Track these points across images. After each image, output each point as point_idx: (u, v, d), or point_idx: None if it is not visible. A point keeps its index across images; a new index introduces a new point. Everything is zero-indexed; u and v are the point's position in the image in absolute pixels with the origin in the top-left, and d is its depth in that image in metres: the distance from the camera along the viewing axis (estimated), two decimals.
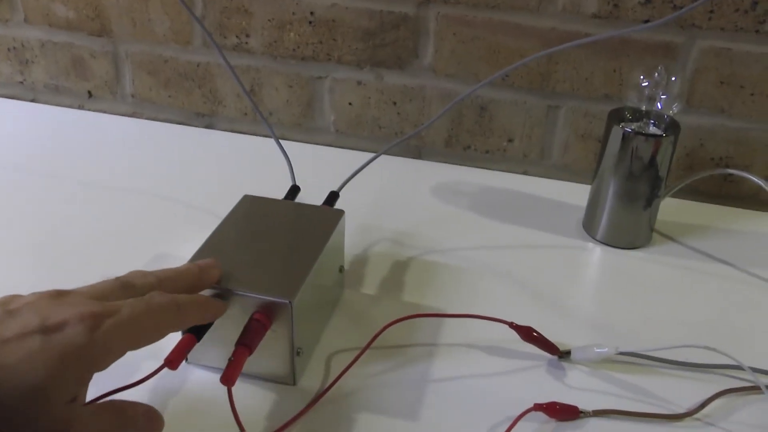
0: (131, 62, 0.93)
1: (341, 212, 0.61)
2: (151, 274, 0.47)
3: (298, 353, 0.53)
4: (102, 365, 0.40)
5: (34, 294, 0.42)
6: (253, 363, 0.51)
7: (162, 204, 0.77)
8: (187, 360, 0.56)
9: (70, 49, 0.95)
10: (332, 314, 0.62)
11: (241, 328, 0.50)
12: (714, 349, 0.55)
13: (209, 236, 0.57)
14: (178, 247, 0.65)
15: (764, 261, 0.73)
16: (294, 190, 0.68)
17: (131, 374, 0.49)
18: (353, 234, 0.72)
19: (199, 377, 0.55)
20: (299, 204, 0.64)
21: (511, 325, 0.58)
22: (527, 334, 0.58)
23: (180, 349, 0.48)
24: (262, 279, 0.52)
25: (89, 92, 0.97)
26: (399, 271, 0.68)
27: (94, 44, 0.94)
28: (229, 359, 0.48)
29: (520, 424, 0.51)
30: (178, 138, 0.92)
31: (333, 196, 0.67)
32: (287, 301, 0.50)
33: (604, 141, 0.71)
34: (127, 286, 0.45)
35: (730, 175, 0.81)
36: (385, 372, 0.56)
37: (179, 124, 0.96)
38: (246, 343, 0.49)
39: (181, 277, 0.49)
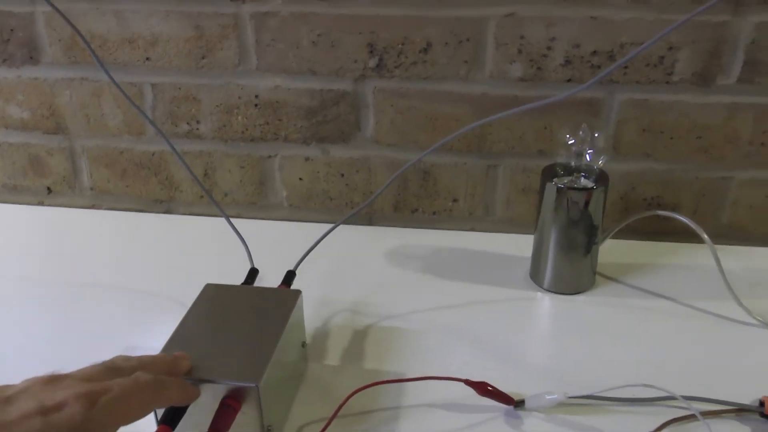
0: (88, 156, 0.97)
1: (298, 292, 0.65)
2: (133, 358, 0.51)
3: (268, 431, 0.56)
4: None
5: (27, 380, 0.45)
6: None
7: (127, 295, 0.80)
8: None
9: (27, 148, 0.98)
10: (299, 388, 0.65)
11: (212, 414, 0.54)
12: (651, 386, 0.60)
13: (176, 327, 0.60)
14: (146, 338, 0.69)
15: (700, 292, 0.79)
16: (253, 273, 0.72)
17: None
18: (313, 308, 0.75)
19: None
20: (258, 288, 0.68)
21: (466, 381, 0.62)
22: (482, 388, 0.62)
23: None
24: (229, 365, 0.56)
25: (48, 188, 1.00)
26: (359, 339, 0.72)
27: (50, 142, 0.97)
28: None
29: None
30: (138, 226, 0.95)
31: (290, 275, 0.71)
32: (254, 385, 0.53)
33: (540, 196, 0.77)
34: (114, 369, 0.49)
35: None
36: None
37: (138, 211, 0.99)
38: (218, 428, 0.53)
39: (157, 363, 0.53)
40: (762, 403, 0.61)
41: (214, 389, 0.54)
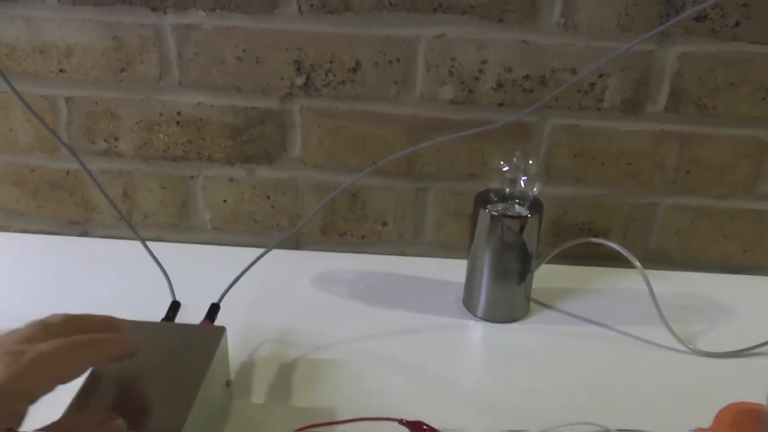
0: None
1: (222, 329, 0.61)
2: (70, 317, 0.51)
3: None
4: (30, 395, 0.44)
5: None
6: None
7: None
8: None
9: None
10: (223, 429, 0.61)
11: None
12: (592, 423, 0.59)
13: (85, 379, 0.55)
14: None
15: (631, 318, 0.79)
16: (174, 306, 0.67)
17: None
18: (237, 339, 0.72)
19: None
20: (179, 325, 0.63)
21: (401, 421, 0.60)
22: (418, 428, 0.60)
23: None
24: (147, 414, 0.52)
25: None
26: (286, 374, 0.69)
27: None
28: None
29: None
30: (50, 249, 0.90)
31: (214, 309, 0.67)
32: None
33: (473, 223, 0.75)
34: (47, 328, 0.48)
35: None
36: None
37: (51, 234, 0.93)
38: None
39: (94, 321, 0.52)
40: None
41: None
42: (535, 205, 0.74)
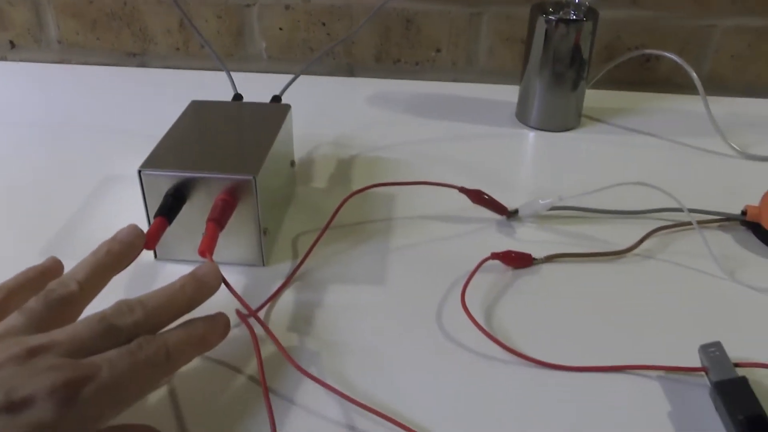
0: (53, 6, 0.92)
1: (288, 106, 0.63)
2: (138, 306, 0.40)
3: (264, 233, 0.55)
4: None
5: (3, 352, 0.36)
6: (223, 250, 0.54)
7: (103, 136, 0.77)
8: (156, 256, 0.57)
9: None
10: (289, 206, 0.64)
11: (206, 212, 0.52)
12: (646, 184, 0.60)
13: (162, 138, 0.58)
14: (126, 167, 0.66)
15: (683, 130, 0.80)
16: (237, 98, 0.69)
17: None
18: (296, 140, 0.74)
19: (171, 270, 0.56)
20: (246, 103, 0.66)
21: (461, 189, 0.62)
22: (477, 196, 0.62)
23: (152, 233, 0.50)
24: (223, 162, 0.54)
25: (11, 42, 0.95)
26: (345, 167, 0.71)
27: None
28: (203, 234, 0.50)
29: (480, 274, 0.55)
30: (111, 79, 0.92)
31: (276, 100, 0.69)
32: (251, 177, 0.52)
33: (530, 33, 0.76)
34: (111, 332, 0.38)
35: (647, 61, 0.87)
36: (349, 247, 0.59)
37: (111, 66, 0.96)
38: (215, 218, 0.51)
39: (176, 303, 0.42)
40: (744, 212, 0.61)
41: (208, 184, 0.53)
42: (591, 13, 0.75)
